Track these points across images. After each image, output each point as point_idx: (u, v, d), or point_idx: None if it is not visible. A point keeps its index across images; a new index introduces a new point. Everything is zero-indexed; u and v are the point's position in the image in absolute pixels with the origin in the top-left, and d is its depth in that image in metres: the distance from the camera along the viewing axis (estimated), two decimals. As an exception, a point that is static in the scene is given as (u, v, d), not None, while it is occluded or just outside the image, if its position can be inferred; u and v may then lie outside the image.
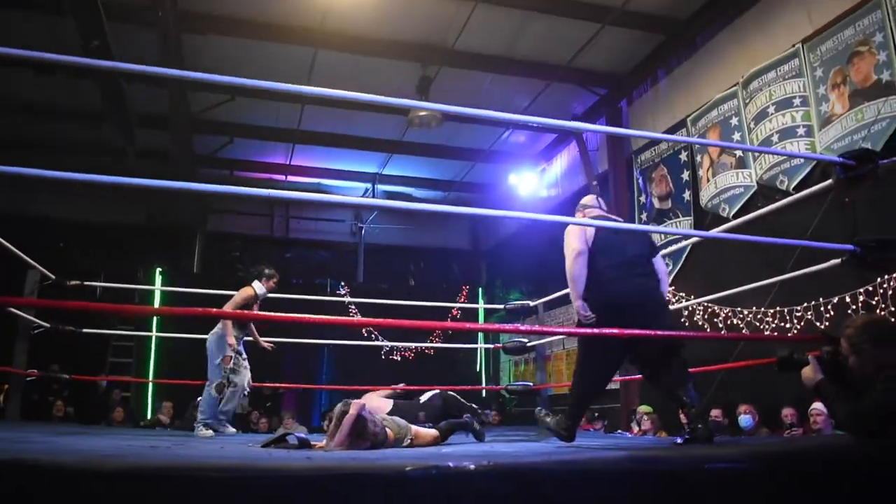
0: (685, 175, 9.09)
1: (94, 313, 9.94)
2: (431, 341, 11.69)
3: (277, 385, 10.19)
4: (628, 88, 10.24)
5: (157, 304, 11.29)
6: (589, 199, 4.51)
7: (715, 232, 4.98)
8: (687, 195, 9.01)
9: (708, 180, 8.61)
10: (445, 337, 11.96)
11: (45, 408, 9.64)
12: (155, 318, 11.47)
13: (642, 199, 9.89)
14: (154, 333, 11.21)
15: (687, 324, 8.21)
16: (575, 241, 4.00)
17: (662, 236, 9.35)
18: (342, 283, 13.01)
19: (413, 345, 11.28)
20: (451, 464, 1.91)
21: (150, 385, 11.28)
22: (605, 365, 4.00)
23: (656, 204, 9.56)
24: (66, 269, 8.30)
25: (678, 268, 9.00)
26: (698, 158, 8.86)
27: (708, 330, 7.68)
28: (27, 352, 6.73)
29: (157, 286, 11.62)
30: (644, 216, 9.74)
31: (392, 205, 4.86)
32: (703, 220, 8.54)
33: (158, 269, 12.17)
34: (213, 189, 3.19)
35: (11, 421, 6.44)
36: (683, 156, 9.16)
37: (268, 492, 1.73)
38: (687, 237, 7.02)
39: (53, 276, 6.69)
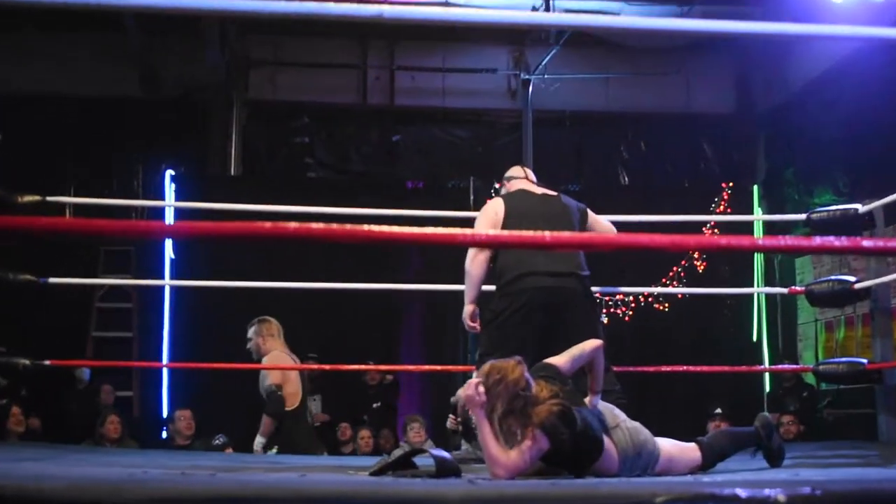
0: None
1: (69, 243, 10.35)
2: (666, 284, 11.71)
3: (387, 367, 10.59)
4: None
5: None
6: (512, 170, 6.39)
7: None
8: None
9: None
10: (691, 278, 11.87)
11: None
12: (168, 258, 11.83)
13: None
14: (167, 282, 11.66)
15: None
16: (483, 229, 5.73)
17: None
18: (494, 186, 12.97)
19: (632, 291, 11.19)
20: (739, 492, 2.00)
21: (165, 374, 11.70)
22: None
23: None
24: (14, 177, 8.47)
25: None
26: None
27: None
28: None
29: (169, 201, 11.95)
30: None
31: (598, 23, 4.72)
32: None
33: (168, 172, 12.51)
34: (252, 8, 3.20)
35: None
36: None
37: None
38: None
39: (-6, 189, 6.99)
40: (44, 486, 2.26)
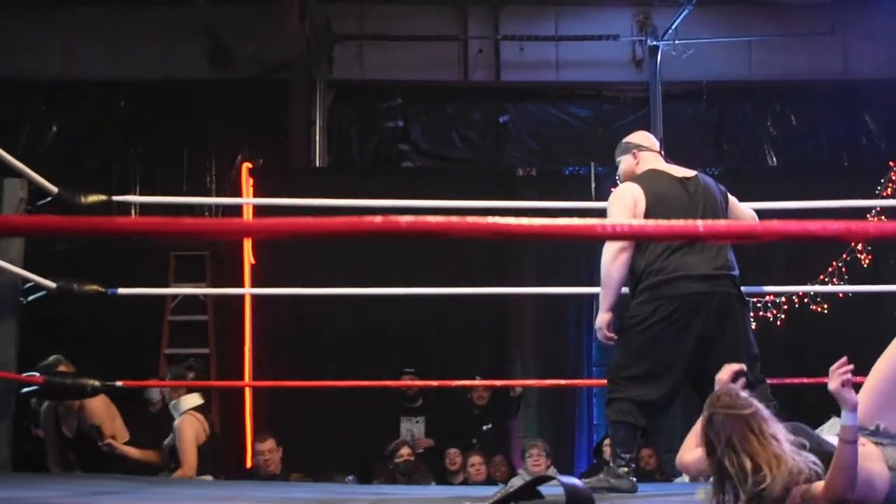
0: None
1: (136, 250, 10.30)
2: (825, 281, 11.40)
3: (498, 383, 10.52)
4: None
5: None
6: (642, 137, 6.20)
7: None
8: None
9: None
10: (854, 273, 11.48)
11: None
12: (247, 265, 11.63)
13: None
14: (248, 290, 11.45)
15: None
16: (621, 220, 5.32)
17: None
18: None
19: (784, 290, 10.93)
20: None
21: (247, 393, 11.54)
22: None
23: None
24: (74, 173, 8.10)
25: None
26: None
27: None
28: (17, 339, 7.28)
29: (246, 197, 11.85)
30: None
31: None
32: None
33: (245, 165, 12.40)
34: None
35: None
36: None
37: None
38: None
39: (55, 189, 7.07)
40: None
